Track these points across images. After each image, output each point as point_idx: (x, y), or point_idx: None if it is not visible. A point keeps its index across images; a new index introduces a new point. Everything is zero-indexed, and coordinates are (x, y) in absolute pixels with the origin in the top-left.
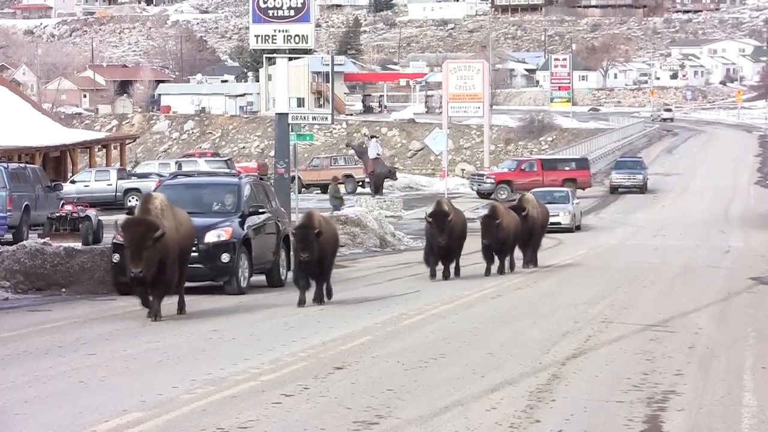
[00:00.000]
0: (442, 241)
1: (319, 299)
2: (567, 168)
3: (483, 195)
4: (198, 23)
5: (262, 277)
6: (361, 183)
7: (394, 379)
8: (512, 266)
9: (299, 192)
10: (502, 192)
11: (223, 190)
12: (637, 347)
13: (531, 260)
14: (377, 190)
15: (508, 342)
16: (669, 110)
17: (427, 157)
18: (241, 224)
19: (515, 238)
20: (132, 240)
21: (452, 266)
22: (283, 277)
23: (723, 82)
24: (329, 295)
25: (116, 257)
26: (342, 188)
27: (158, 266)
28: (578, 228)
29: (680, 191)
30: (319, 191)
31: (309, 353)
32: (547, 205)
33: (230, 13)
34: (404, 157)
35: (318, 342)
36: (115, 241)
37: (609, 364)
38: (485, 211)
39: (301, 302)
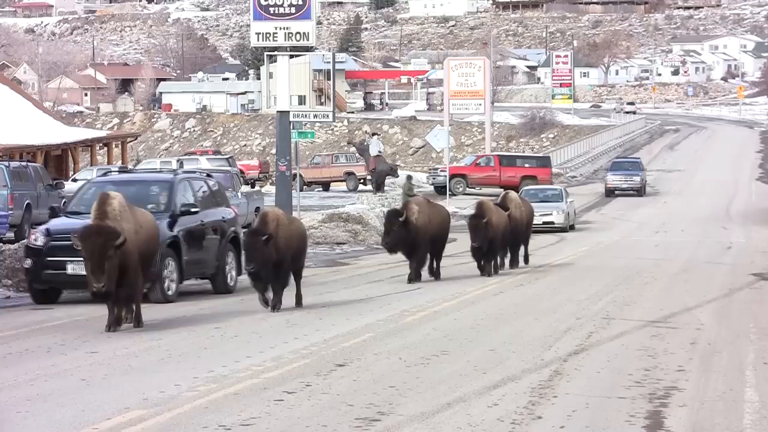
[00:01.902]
0: (387, 244)
1: (273, 307)
2: (527, 165)
3: (438, 189)
4: (199, 21)
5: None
6: (362, 180)
7: (396, 376)
8: (496, 269)
9: (301, 190)
10: (458, 186)
11: (154, 188)
12: (638, 343)
13: (517, 260)
14: (379, 187)
15: (509, 338)
16: (632, 104)
17: (428, 155)
18: (171, 225)
19: (504, 236)
20: (92, 252)
21: (434, 267)
22: (231, 283)
23: (724, 79)
24: (299, 302)
25: (28, 262)
26: (412, 182)
27: (119, 273)
28: (572, 227)
29: (682, 187)
30: (321, 189)
31: (311, 350)
32: (539, 204)
33: (231, 10)
34: (406, 154)
35: (320, 339)
36: (29, 244)
37: (611, 360)
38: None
39: (266, 303)
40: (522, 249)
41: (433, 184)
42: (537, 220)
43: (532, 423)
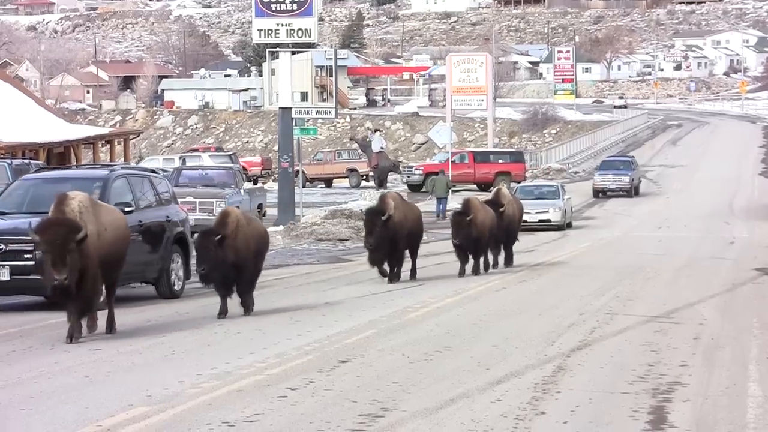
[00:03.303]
0: (370, 245)
1: (246, 308)
2: (501, 161)
3: (413, 187)
4: (201, 18)
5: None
6: (365, 177)
7: (399, 372)
8: (486, 266)
9: (303, 186)
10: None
11: (86, 186)
12: (642, 339)
13: (511, 258)
14: (381, 183)
15: (513, 334)
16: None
17: (431, 151)
18: None
19: (492, 235)
20: (52, 243)
21: (412, 268)
22: (176, 287)
23: (727, 73)
24: (249, 309)
25: None
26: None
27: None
28: (569, 225)
29: (684, 183)
30: (323, 185)
31: (314, 347)
32: (535, 201)
33: (233, 7)
34: (408, 150)
35: (323, 336)
36: None
37: (614, 356)
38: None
39: (222, 313)
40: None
41: (407, 182)
42: (533, 217)
43: (535, 418)
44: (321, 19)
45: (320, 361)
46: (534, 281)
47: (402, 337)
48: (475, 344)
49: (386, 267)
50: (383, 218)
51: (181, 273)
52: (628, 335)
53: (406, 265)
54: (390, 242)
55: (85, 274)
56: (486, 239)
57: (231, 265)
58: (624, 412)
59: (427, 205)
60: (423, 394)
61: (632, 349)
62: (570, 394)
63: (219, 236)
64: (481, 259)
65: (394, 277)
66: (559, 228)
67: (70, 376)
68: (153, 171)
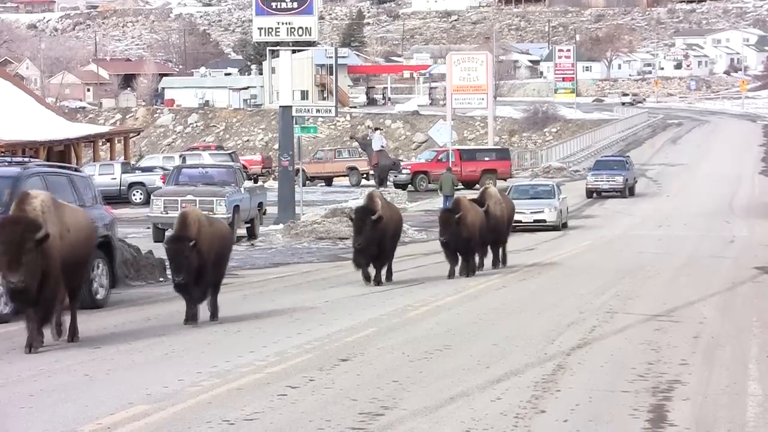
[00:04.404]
0: (359, 245)
1: (189, 318)
2: (486, 158)
3: (400, 186)
4: (201, 16)
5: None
6: (365, 175)
7: (399, 371)
8: (473, 269)
9: (303, 185)
10: (422, 183)
11: None
12: (642, 337)
13: (498, 259)
14: (381, 182)
15: (512, 333)
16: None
17: (431, 150)
18: None
19: (482, 235)
20: (8, 242)
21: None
22: (99, 296)
23: (727, 72)
24: (214, 315)
25: None
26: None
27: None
28: (565, 226)
29: (685, 181)
30: (323, 184)
31: (314, 345)
32: (530, 201)
33: (233, 5)
34: (408, 149)
35: (323, 334)
36: None
37: (614, 354)
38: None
39: (189, 318)
40: (501, 248)
41: (394, 181)
42: (528, 217)
43: (535, 417)
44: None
45: (320, 359)
46: (534, 280)
47: (402, 335)
48: (475, 343)
49: (371, 270)
50: (373, 218)
51: (105, 280)
52: (628, 334)
53: (402, 265)
54: (379, 241)
55: (47, 278)
56: (476, 240)
57: (196, 269)
58: (624, 410)
59: (428, 204)
60: (423, 393)
61: (632, 348)
62: (570, 392)
63: (194, 242)
64: (471, 260)
65: (379, 278)
66: (554, 228)
67: (70, 375)
68: (76, 170)
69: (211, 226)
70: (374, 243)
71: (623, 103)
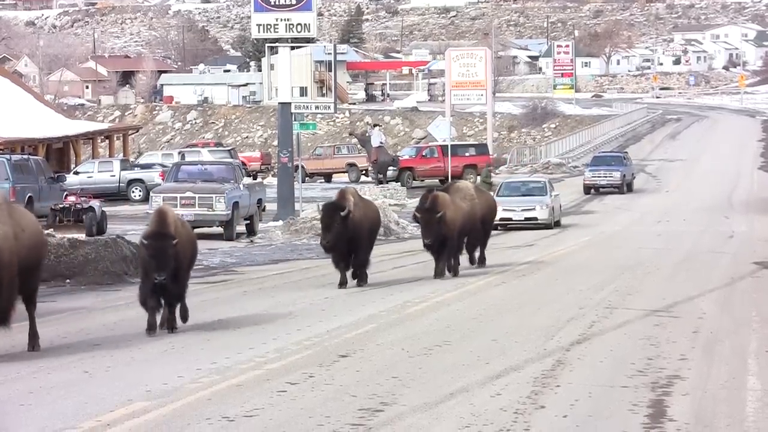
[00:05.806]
0: (327, 242)
1: (170, 326)
2: (467, 154)
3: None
4: (200, 13)
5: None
6: (364, 172)
7: (398, 367)
8: (455, 269)
9: (303, 181)
10: (408, 179)
11: None
12: (641, 333)
13: (473, 258)
14: (381, 179)
15: (512, 328)
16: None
17: (412, 146)
18: None
19: (462, 233)
20: None
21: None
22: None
23: (726, 67)
24: (184, 317)
25: None
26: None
27: None
28: (558, 224)
29: (684, 177)
30: (323, 180)
31: (314, 341)
32: (521, 198)
33: (232, 2)
34: (407, 145)
35: (322, 330)
36: None
37: (613, 350)
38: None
39: (152, 327)
40: (478, 248)
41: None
42: (519, 215)
43: (534, 412)
44: (320, 14)
45: (320, 355)
46: (533, 276)
47: (401, 331)
48: (475, 339)
49: (348, 275)
50: (342, 214)
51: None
52: (628, 329)
53: (400, 261)
54: (350, 242)
55: (0, 281)
56: (455, 238)
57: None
58: (623, 405)
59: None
60: (422, 389)
61: (632, 343)
62: (569, 388)
63: (176, 240)
64: (456, 260)
65: (356, 278)
66: (546, 226)
67: (70, 372)
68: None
69: (184, 227)
70: (344, 241)
71: (657, 97)
